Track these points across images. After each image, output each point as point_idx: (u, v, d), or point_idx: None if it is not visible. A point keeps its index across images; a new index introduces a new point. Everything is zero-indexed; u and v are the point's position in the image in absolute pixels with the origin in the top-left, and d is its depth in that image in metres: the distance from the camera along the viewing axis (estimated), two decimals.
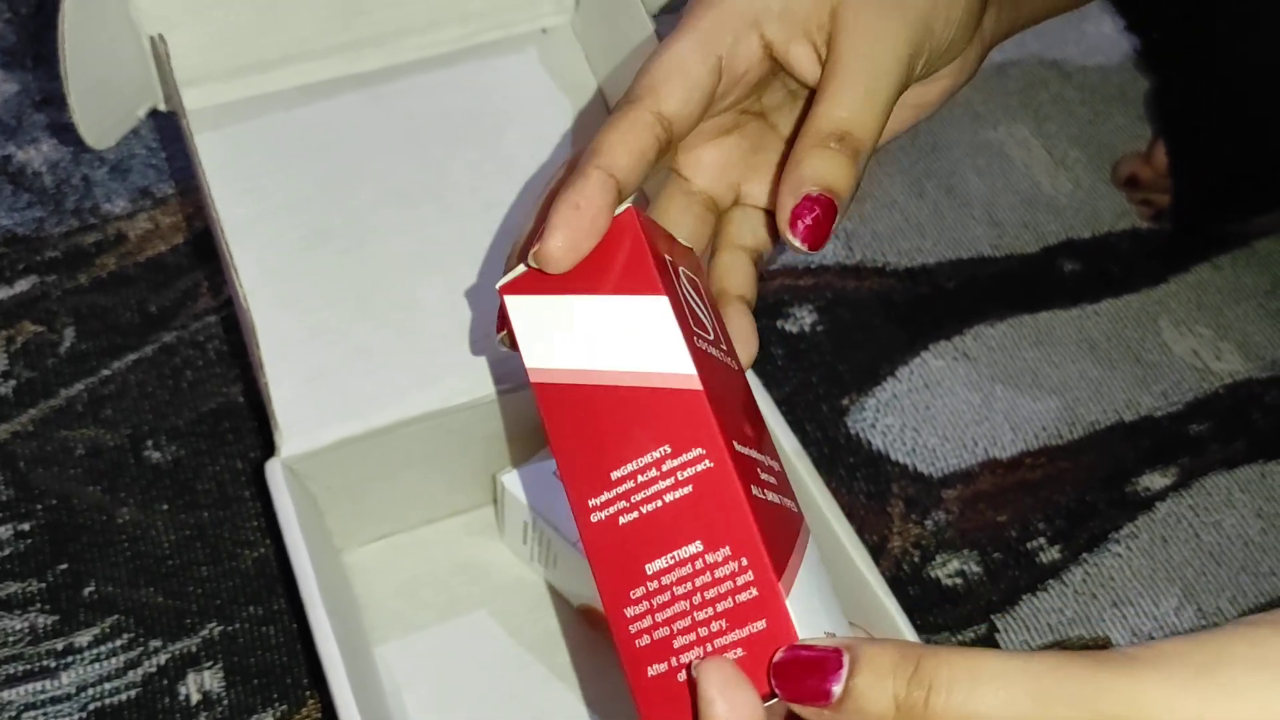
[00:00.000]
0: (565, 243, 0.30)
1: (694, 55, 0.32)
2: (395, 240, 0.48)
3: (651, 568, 0.29)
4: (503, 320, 0.33)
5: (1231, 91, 0.62)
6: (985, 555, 0.54)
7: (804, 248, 0.31)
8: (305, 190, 0.48)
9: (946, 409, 0.59)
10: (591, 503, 0.30)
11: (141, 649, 0.49)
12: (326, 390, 0.45)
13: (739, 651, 0.28)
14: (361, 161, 0.49)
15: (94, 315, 0.58)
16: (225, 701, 0.48)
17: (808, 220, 0.31)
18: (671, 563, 0.29)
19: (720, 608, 0.28)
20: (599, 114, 0.52)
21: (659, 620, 0.29)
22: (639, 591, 0.29)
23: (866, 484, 0.56)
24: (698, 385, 0.30)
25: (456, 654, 0.49)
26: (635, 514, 0.29)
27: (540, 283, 0.32)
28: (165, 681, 0.48)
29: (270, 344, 0.44)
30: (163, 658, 0.48)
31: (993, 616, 0.52)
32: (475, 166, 0.50)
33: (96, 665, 0.48)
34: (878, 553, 0.53)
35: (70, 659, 0.48)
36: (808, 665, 0.27)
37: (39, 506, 0.52)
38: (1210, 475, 0.57)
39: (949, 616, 0.52)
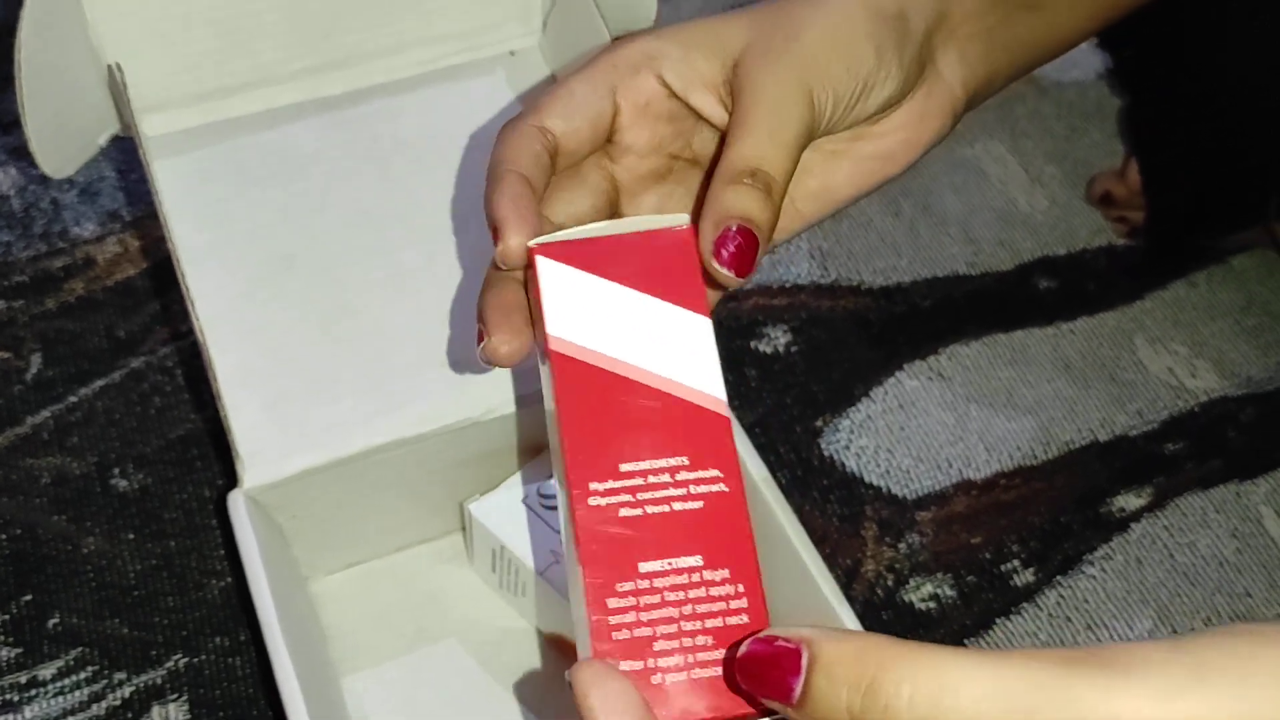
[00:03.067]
0: (522, 235, 0.32)
1: (582, 84, 0.35)
2: (360, 265, 0.47)
3: (646, 567, 0.29)
4: (481, 325, 0.33)
5: (1202, 108, 0.62)
6: (959, 578, 0.53)
7: (730, 274, 0.32)
8: (268, 215, 0.48)
9: (921, 430, 0.58)
10: (593, 485, 0.30)
11: (106, 681, 0.48)
12: (289, 419, 0.44)
13: (718, 670, 0.29)
14: (326, 186, 0.49)
15: (61, 341, 0.58)
16: None
17: (730, 248, 0.32)
18: (667, 568, 0.29)
19: (709, 624, 0.29)
20: None
21: (644, 620, 0.29)
22: (627, 586, 0.29)
23: (840, 507, 0.55)
24: (727, 412, 0.31)
25: (426, 684, 0.48)
26: (639, 511, 0.30)
27: (579, 256, 0.32)
28: (130, 715, 0.47)
29: (229, 373, 0.44)
30: (127, 690, 0.48)
31: (966, 641, 0.52)
32: (442, 190, 0.50)
33: (60, 699, 0.48)
34: (851, 576, 0.53)
35: (34, 692, 0.48)
36: (768, 661, 0.26)
37: (3, 536, 0.51)
38: (1185, 495, 0.57)
39: (923, 641, 0.51)
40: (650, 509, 0.30)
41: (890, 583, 0.53)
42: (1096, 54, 0.75)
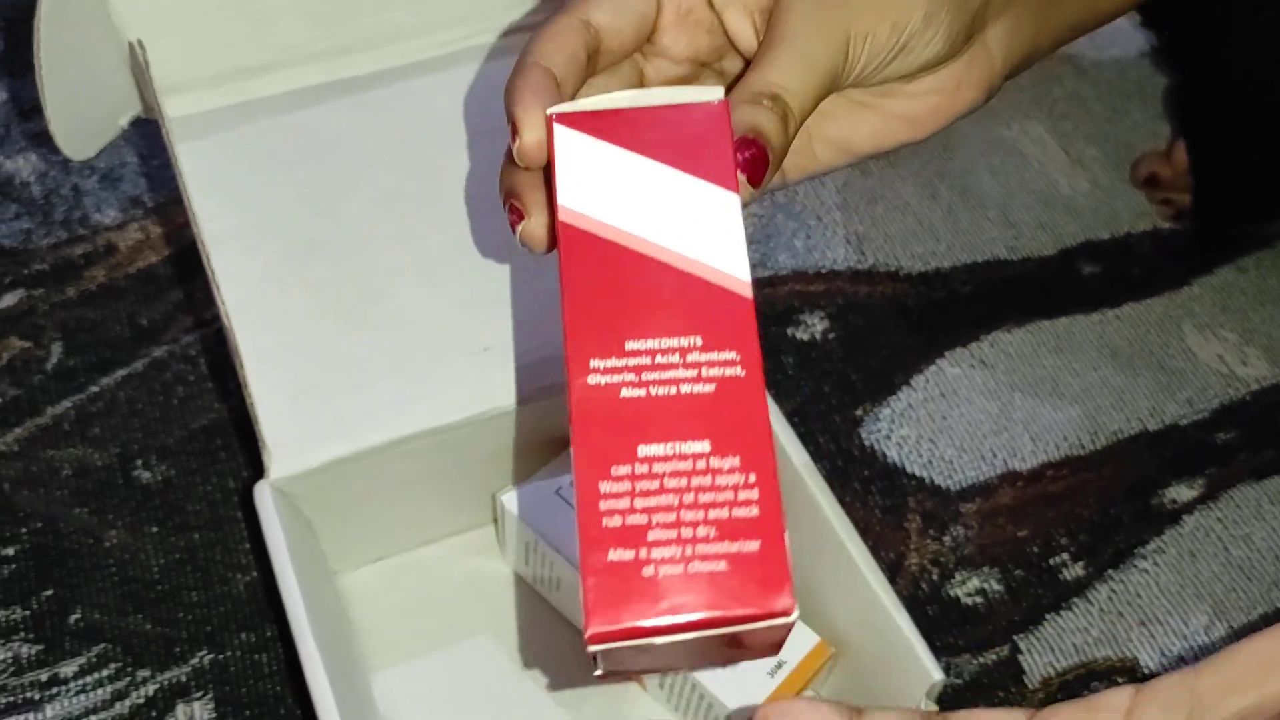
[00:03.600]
0: (540, 129, 0.30)
1: None
2: (386, 250, 0.46)
3: (646, 450, 0.27)
4: (517, 202, 0.31)
5: (1252, 87, 0.60)
6: (1006, 572, 0.52)
7: (743, 178, 0.30)
8: (292, 200, 0.46)
9: (964, 419, 0.57)
10: (594, 363, 0.27)
11: (129, 679, 0.47)
12: (317, 408, 0.43)
13: (721, 564, 0.26)
14: (351, 169, 0.47)
15: (82, 329, 0.56)
16: None
17: (744, 155, 0.30)
18: (670, 453, 0.27)
19: (713, 515, 0.26)
20: None
21: (638, 506, 0.26)
22: (623, 469, 0.26)
23: (882, 498, 0.54)
24: (749, 293, 0.28)
25: (458, 680, 0.47)
26: (643, 391, 0.27)
27: (601, 126, 0.30)
28: (154, 713, 0.46)
29: (256, 361, 0.42)
30: (151, 688, 0.47)
31: (1015, 637, 0.50)
32: (468, 173, 0.48)
33: (82, 697, 0.46)
34: (894, 570, 0.51)
35: (55, 690, 0.46)
36: None
37: (24, 530, 0.50)
38: (1239, 486, 0.55)
39: (969, 637, 0.50)
40: (656, 390, 0.27)
41: (935, 577, 0.51)
42: (1138, 32, 0.73)
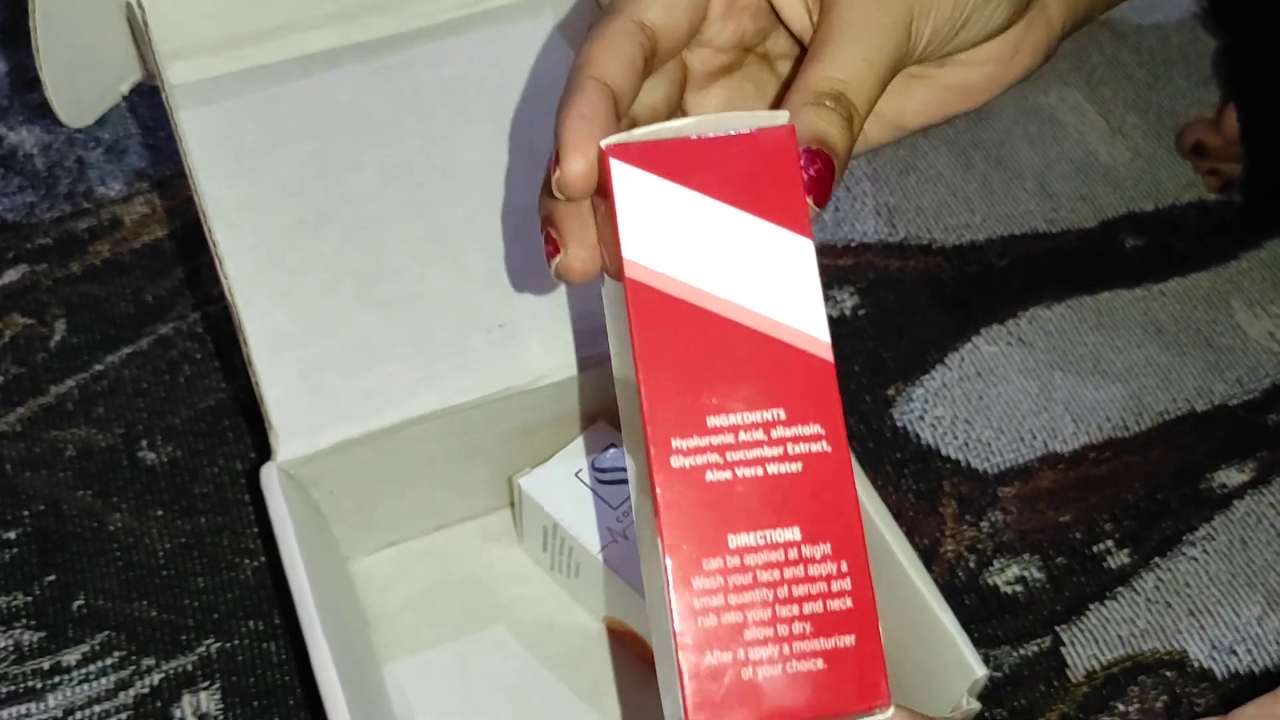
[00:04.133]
0: (585, 163, 0.27)
1: None
2: (399, 223, 0.44)
3: (736, 541, 0.25)
4: (554, 232, 0.29)
5: None
6: (1047, 560, 0.49)
7: (810, 201, 0.28)
8: (302, 170, 0.44)
9: (1001, 399, 0.54)
10: (676, 443, 0.26)
11: (134, 668, 0.45)
12: (325, 388, 0.41)
13: (818, 663, 0.25)
14: (363, 138, 0.45)
15: (86, 306, 0.55)
16: None
17: (810, 171, 0.28)
18: (761, 542, 0.26)
19: (807, 609, 0.25)
20: None
21: (733, 603, 0.25)
22: (715, 563, 0.25)
23: (916, 482, 0.51)
24: (829, 356, 0.26)
25: (472, 671, 0.45)
26: (728, 474, 0.26)
27: (659, 162, 0.27)
28: (159, 704, 0.44)
29: (262, 339, 0.41)
30: (156, 677, 0.45)
31: (1057, 628, 0.48)
32: (487, 141, 0.46)
33: (86, 686, 0.45)
34: (929, 558, 0.49)
35: (58, 679, 0.45)
36: None
37: (26, 513, 0.49)
38: None
39: (1009, 628, 0.47)
40: (741, 471, 0.26)
41: (972, 564, 0.49)
42: None
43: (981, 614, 0.48)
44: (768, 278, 0.27)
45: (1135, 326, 0.57)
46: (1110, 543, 0.50)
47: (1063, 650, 0.47)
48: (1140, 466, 0.52)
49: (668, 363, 0.26)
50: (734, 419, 0.26)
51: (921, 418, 0.53)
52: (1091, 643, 0.47)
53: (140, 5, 0.42)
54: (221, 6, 0.45)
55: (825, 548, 0.26)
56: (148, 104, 0.61)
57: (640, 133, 0.27)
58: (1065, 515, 0.51)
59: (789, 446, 0.26)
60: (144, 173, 0.59)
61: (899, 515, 0.50)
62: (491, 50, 0.48)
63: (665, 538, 0.25)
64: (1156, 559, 0.50)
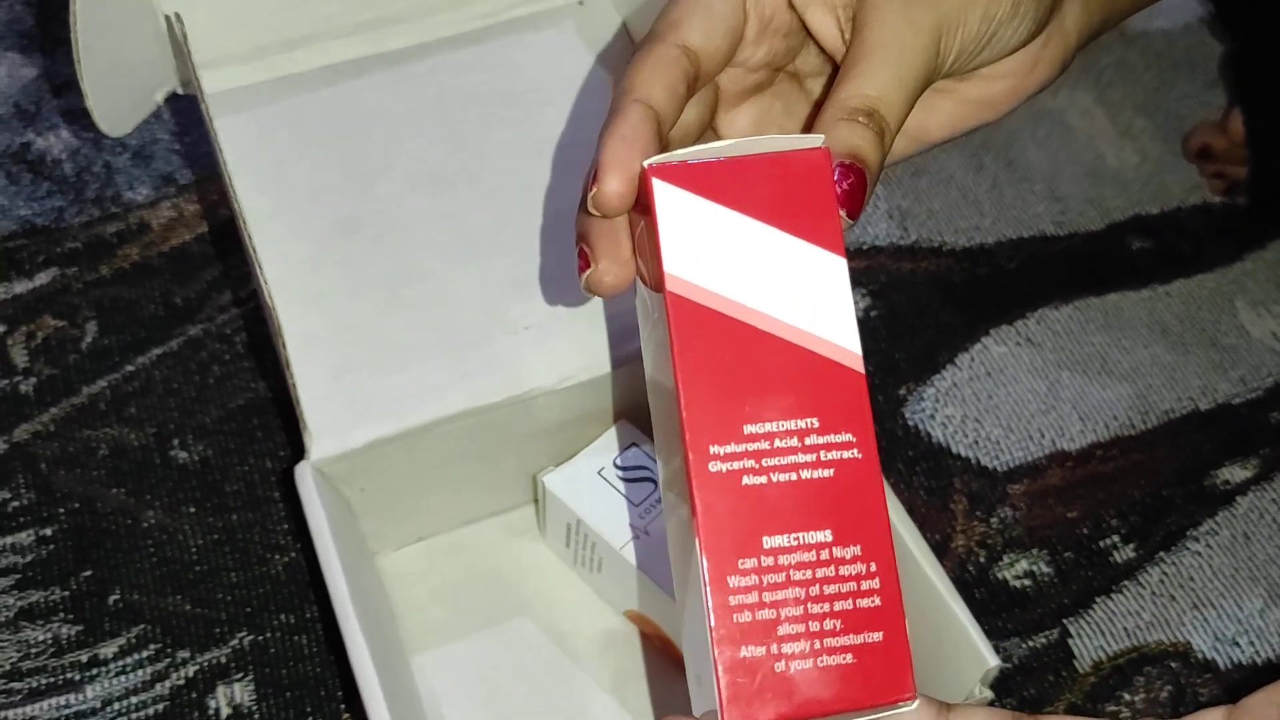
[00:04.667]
0: (622, 183, 0.29)
1: None
2: (427, 228, 0.45)
3: (770, 542, 0.27)
4: (586, 247, 0.30)
5: None
6: (1055, 554, 0.51)
7: (843, 214, 0.29)
8: (332, 176, 0.46)
9: (1010, 398, 0.55)
10: (714, 449, 0.27)
11: (169, 660, 0.47)
12: (357, 389, 0.43)
13: (848, 658, 0.27)
14: (391, 145, 0.47)
15: (117, 309, 0.56)
16: (256, 715, 0.45)
17: (844, 185, 0.29)
18: (794, 544, 0.27)
19: (838, 607, 0.27)
20: None
21: (766, 600, 0.27)
22: (750, 563, 0.27)
23: (927, 479, 0.53)
24: (861, 367, 0.28)
25: (497, 663, 0.46)
26: (764, 479, 0.27)
27: (699, 182, 0.28)
28: (194, 695, 0.46)
29: (297, 341, 0.42)
30: (191, 669, 0.46)
31: (1065, 620, 0.49)
32: (511, 147, 0.47)
33: (122, 678, 0.46)
34: (940, 553, 0.50)
35: (95, 671, 0.46)
36: None
37: (61, 510, 0.50)
38: None
39: (1018, 621, 0.49)
40: (776, 476, 0.27)
41: (982, 559, 0.50)
42: (1188, 1, 0.71)
43: (991, 607, 0.49)
44: (802, 293, 0.28)
45: (1141, 327, 0.58)
46: (1116, 538, 0.51)
47: (1070, 642, 0.48)
48: (1146, 464, 0.54)
49: (706, 372, 0.27)
50: (769, 427, 0.27)
51: (932, 417, 0.55)
52: (1098, 635, 0.49)
53: (179, 18, 0.44)
54: (255, 18, 0.46)
55: (855, 549, 0.27)
56: (173, 110, 0.62)
57: (681, 154, 0.28)
58: (1073, 511, 0.52)
59: (822, 454, 0.27)
60: (170, 178, 0.61)
61: (911, 512, 0.51)
62: (514, 58, 0.49)
63: (703, 539, 0.26)
64: (1161, 553, 0.51)
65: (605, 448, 0.46)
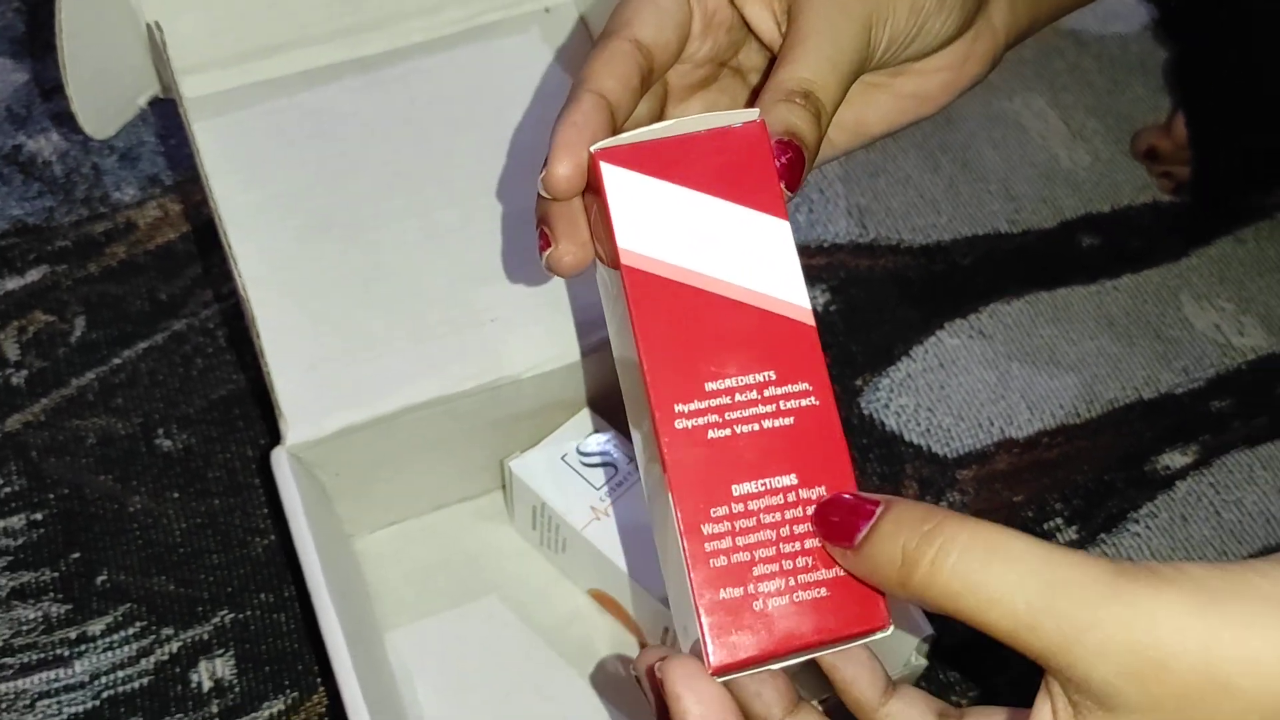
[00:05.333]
0: (570, 167, 0.31)
1: None
2: (398, 226, 0.47)
3: (739, 489, 0.28)
4: (546, 229, 0.32)
5: (1253, 62, 0.61)
6: None
7: (782, 186, 0.31)
8: (307, 177, 0.48)
9: (962, 388, 0.58)
10: (679, 408, 0.29)
11: (154, 637, 0.49)
12: (330, 378, 0.45)
13: (822, 591, 0.28)
14: (364, 147, 0.49)
15: (105, 304, 0.58)
16: (237, 689, 0.48)
17: (782, 160, 0.31)
18: (762, 489, 0.28)
19: (808, 545, 0.28)
20: None
21: (740, 544, 0.28)
22: (721, 510, 0.28)
23: (880, 465, 0.55)
24: (810, 320, 0.30)
25: (467, 639, 0.49)
26: (728, 431, 0.29)
27: (645, 161, 0.30)
28: (177, 669, 0.48)
29: (272, 333, 0.44)
30: (175, 645, 0.49)
31: None
32: (479, 150, 0.49)
33: (109, 653, 0.48)
34: None
35: (83, 647, 0.48)
36: (846, 507, 0.27)
37: (51, 496, 0.52)
38: (1232, 453, 0.56)
39: None
40: (740, 429, 0.28)
41: None
42: (1141, 6, 0.73)
43: None
44: (751, 257, 0.30)
45: (1089, 320, 0.61)
46: (1059, 520, 0.54)
47: None
48: (1090, 450, 0.56)
49: (665, 338, 0.29)
50: (729, 383, 0.29)
51: (887, 406, 0.57)
52: None
53: (159, 27, 0.46)
54: (233, 25, 0.49)
55: (821, 490, 0.28)
56: (158, 113, 0.65)
57: (626, 137, 0.30)
58: (1019, 495, 0.54)
59: (781, 403, 0.29)
60: (156, 178, 0.63)
61: None
62: (483, 64, 0.52)
63: (674, 491, 0.28)
64: (1102, 535, 0.53)
65: (569, 435, 0.48)
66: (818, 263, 0.62)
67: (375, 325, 0.46)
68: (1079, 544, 0.53)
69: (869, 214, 0.64)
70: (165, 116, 0.64)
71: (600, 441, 0.48)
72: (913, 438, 0.56)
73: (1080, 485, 0.55)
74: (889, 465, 0.55)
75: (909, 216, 0.64)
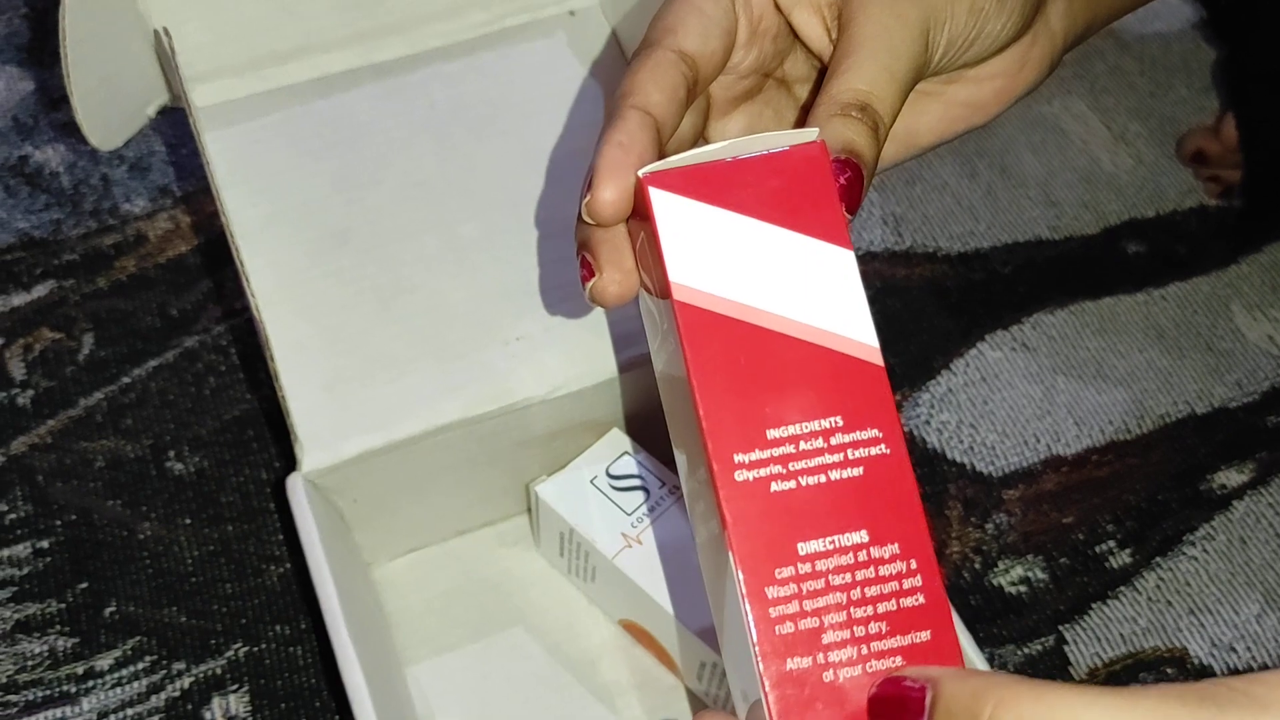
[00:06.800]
0: (616, 191, 0.28)
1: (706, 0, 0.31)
2: (418, 239, 0.45)
3: (806, 548, 0.26)
4: (589, 256, 0.29)
5: None
6: (1051, 560, 0.51)
7: (843, 212, 0.29)
8: (322, 188, 0.46)
9: (1005, 403, 0.55)
10: (739, 458, 0.26)
11: (164, 672, 0.47)
12: (348, 400, 0.43)
13: (898, 660, 0.26)
14: (381, 156, 0.47)
15: (113, 320, 0.56)
16: None
17: (841, 180, 0.29)
18: (830, 548, 0.26)
19: (881, 609, 0.26)
20: None
21: (808, 609, 0.26)
22: (787, 572, 0.26)
23: (923, 485, 0.53)
24: (880, 360, 0.27)
25: (491, 673, 0.46)
26: (792, 483, 0.26)
27: (697, 186, 0.28)
28: (189, 706, 0.46)
29: (286, 353, 0.42)
30: (187, 681, 0.47)
31: (1061, 627, 0.49)
32: (502, 158, 0.47)
33: (118, 689, 0.46)
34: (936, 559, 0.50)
35: (91, 683, 0.46)
36: (895, 703, 0.25)
37: (58, 522, 0.50)
38: None
39: (1014, 628, 0.49)
40: (805, 480, 0.26)
41: (978, 565, 0.50)
42: (1183, 5, 0.71)
43: (987, 614, 0.49)
44: (812, 289, 0.27)
45: (1136, 331, 0.58)
46: (1112, 543, 0.51)
47: (1066, 649, 0.48)
48: (1141, 468, 0.53)
49: (722, 379, 0.27)
50: (793, 429, 0.27)
51: (928, 422, 0.55)
52: (1094, 641, 0.49)
53: (167, 33, 0.44)
54: (244, 30, 0.47)
55: (894, 547, 0.26)
56: (169, 122, 0.63)
57: (676, 159, 0.28)
58: (1068, 517, 0.52)
59: (849, 452, 0.27)
60: (167, 189, 0.61)
61: None
62: (505, 69, 0.50)
63: (736, 551, 0.26)
64: (1157, 559, 0.51)
65: (597, 457, 0.46)
66: None
67: (394, 344, 0.44)
68: (1133, 569, 0.51)
69: (905, 222, 0.62)
70: (176, 125, 0.62)
71: (632, 464, 0.46)
72: (956, 456, 0.54)
73: (1133, 505, 0.52)
74: (932, 485, 0.53)
75: (946, 224, 0.62)
